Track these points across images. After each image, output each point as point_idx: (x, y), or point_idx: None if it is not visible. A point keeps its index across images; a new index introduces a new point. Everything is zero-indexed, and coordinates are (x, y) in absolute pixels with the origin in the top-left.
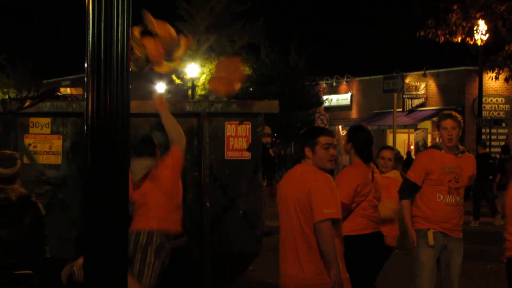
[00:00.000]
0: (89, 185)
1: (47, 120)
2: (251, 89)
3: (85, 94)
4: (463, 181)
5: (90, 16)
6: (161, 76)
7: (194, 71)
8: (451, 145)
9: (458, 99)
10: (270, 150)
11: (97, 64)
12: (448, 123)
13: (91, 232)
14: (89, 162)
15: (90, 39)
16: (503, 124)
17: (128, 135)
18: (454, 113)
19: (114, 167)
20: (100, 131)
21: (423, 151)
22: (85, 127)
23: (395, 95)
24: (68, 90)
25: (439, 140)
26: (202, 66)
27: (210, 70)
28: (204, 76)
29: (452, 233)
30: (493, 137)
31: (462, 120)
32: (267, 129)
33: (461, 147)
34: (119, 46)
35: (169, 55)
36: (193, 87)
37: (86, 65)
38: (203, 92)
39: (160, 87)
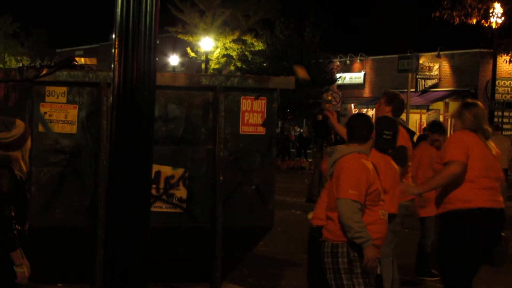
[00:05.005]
0: (113, 155)
1: (64, 89)
2: (264, 64)
3: (112, 65)
4: None
5: None
6: (174, 49)
7: (208, 44)
8: None
9: (471, 81)
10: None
11: (125, 35)
12: None
13: (114, 202)
14: (114, 132)
15: (118, 10)
16: None
17: (154, 106)
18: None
19: (139, 137)
20: (126, 102)
21: None
22: (112, 98)
23: (410, 75)
24: (82, 60)
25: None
26: (216, 40)
27: (224, 44)
28: (218, 50)
29: None
30: (505, 120)
31: None
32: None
33: None
34: (147, 18)
35: None
36: (207, 60)
37: (114, 36)
38: (216, 66)
39: (174, 59)
